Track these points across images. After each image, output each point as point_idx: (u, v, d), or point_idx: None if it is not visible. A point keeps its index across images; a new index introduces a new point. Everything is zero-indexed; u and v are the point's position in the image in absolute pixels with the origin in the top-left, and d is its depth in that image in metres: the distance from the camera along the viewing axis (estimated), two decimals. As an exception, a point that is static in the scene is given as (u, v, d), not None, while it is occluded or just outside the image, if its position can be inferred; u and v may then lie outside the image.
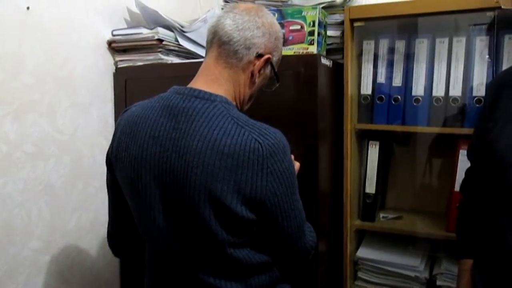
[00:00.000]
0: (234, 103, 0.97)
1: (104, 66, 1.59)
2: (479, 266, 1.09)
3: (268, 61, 0.98)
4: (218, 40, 0.95)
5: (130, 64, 1.60)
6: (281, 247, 0.98)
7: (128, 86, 1.58)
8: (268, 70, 1.01)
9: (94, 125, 1.54)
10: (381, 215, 1.61)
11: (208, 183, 0.85)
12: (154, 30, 1.55)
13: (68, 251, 1.47)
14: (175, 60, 1.59)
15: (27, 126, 1.31)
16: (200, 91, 0.92)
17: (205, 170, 0.85)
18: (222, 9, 1.57)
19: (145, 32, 1.56)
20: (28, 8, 1.30)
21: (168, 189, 0.90)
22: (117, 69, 1.62)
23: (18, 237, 1.30)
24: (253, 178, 0.85)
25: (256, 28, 0.95)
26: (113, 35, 1.59)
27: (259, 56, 0.96)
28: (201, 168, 0.85)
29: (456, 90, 1.40)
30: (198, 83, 0.97)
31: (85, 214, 1.52)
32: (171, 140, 0.89)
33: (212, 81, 0.95)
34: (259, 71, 0.98)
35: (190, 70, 1.04)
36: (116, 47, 1.61)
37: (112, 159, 1.00)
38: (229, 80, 0.96)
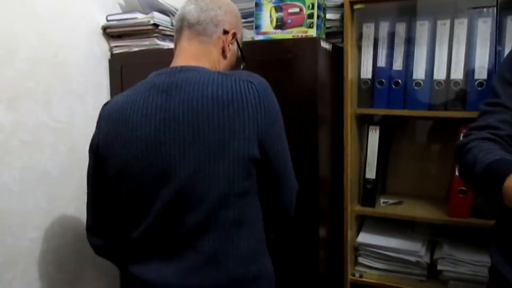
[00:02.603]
0: None
1: (99, 52, 1.56)
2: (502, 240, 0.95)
3: (234, 36, 1.07)
4: (187, 24, 1.03)
5: (126, 50, 1.57)
6: (280, 183, 1.02)
7: (124, 72, 1.55)
8: (235, 46, 1.10)
9: (90, 113, 1.52)
10: (382, 200, 1.60)
11: (216, 133, 0.91)
12: (149, 15, 1.51)
13: (66, 240, 1.46)
14: (171, 45, 1.55)
15: (22, 114, 1.29)
16: (182, 66, 0.99)
17: (211, 123, 0.91)
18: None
19: (140, 17, 1.53)
20: (20, -7, 1.27)
21: (172, 156, 0.92)
22: (112, 55, 1.59)
23: (16, 227, 1.29)
24: (254, 115, 0.92)
25: (218, 8, 1.04)
26: (108, 21, 1.56)
27: (226, 32, 1.05)
28: (207, 123, 0.91)
29: (457, 73, 1.38)
30: (178, 62, 1.02)
31: (82, 203, 1.48)
32: (166, 111, 0.93)
33: (190, 58, 1.02)
34: (228, 46, 1.06)
35: (187, 54, 1.02)
36: (111, 33, 1.58)
37: (100, 149, 1.01)
38: (205, 55, 1.03)
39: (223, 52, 1.06)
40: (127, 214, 1.03)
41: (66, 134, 1.43)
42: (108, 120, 0.99)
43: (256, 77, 0.96)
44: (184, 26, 1.03)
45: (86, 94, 1.50)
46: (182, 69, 0.97)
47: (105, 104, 1.05)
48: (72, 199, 1.47)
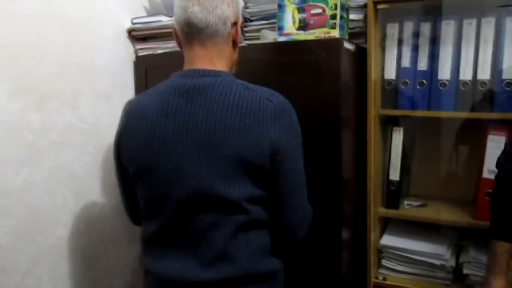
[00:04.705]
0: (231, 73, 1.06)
1: (125, 54, 1.60)
2: None
3: (240, 24, 1.08)
4: (196, 29, 1.00)
5: (150, 52, 1.60)
6: (287, 203, 1.01)
7: (149, 75, 1.58)
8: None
9: (116, 114, 1.53)
10: (406, 202, 1.58)
11: (230, 141, 0.94)
12: (173, 18, 1.53)
13: (93, 239, 1.49)
14: (195, 47, 1.58)
15: (51, 115, 1.32)
16: (204, 70, 1.00)
17: (227, 130, 0.94)
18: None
19: (164, 19, 1.55)
20: (49, -3, 1.30)
21: (187, 156, 0.95)
22: (137, 57, 1.62)
23: (45, 225, 1.33)
24: (268, 130, 0.94)
25: (221, 3, 1.00)
26: (133, 23, 1.59)
27: (234, 24, 1.04)
28: (223, 129, 0.94)
29: (484, 74, 1.35)
30: (197, 66, 1.02)
31: (108, 202, 1.54)
32: (186, 113, 0.96)
33: (208, 61, 1.02)
34: (238, 36, 1.07)
35: (210, 56, 1.03)
36: (136, 36, 1.61)
37: (121, 144, 1.06)
38: (220, 56, 1.04)
39: (234, 43, 1.07)
40: (142, 208, 1.07)
41: (93, 135, 1.46)
42: (130, 118, 1.04)
43: (276, 96, 0.99)
44: (194, 31, 1.00)
45: (112, 95, 1.54)
46: (204, 73, 0.99)
47: (129, 101, 1.10)
48: (98, 199, 1.50)
